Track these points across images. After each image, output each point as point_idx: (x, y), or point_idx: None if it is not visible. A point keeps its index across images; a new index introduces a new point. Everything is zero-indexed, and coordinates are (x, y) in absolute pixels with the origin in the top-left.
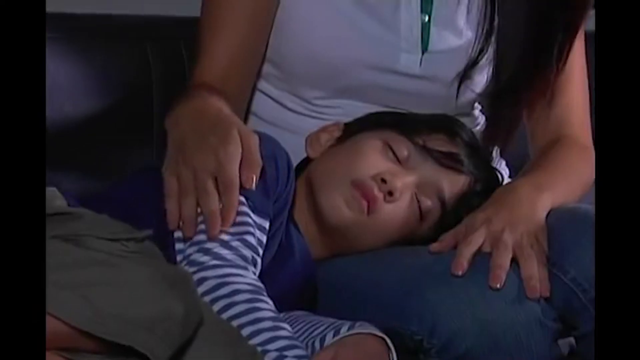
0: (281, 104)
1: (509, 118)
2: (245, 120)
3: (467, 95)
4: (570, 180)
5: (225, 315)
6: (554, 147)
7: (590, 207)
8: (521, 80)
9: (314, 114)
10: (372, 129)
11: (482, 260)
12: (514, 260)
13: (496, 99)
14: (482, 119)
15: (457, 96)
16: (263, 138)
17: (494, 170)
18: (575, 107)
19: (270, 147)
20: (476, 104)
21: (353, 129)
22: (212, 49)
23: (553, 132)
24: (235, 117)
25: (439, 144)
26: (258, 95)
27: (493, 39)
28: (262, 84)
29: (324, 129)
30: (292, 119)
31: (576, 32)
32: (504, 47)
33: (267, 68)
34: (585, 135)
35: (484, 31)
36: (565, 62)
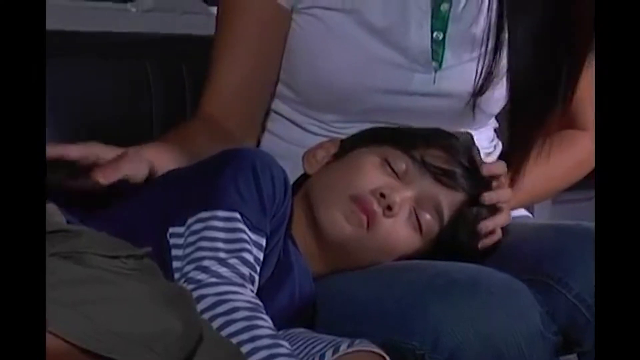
0: (299, 126)
1: (526, 139)
2: (259, 141)
3: (484, 110)
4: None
5: (224, 333)
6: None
7: (592, 223)
8: (536, 100)
9: (332, 134)
10: (368, 144)
11: (483, 273)
12: (520, 276)
13: (512, 116)
14: (497, 141)
15: (473, 110)
16: (260, 155)
17: (490, 187)
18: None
19: (266, 164)
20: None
21: (349, 145)
22: (216, 80)
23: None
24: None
25: (437, 159)
26: (276, 117)
27: (504, 52)
28: (281, 106)
29: (320, 146)
30: (310, 139)
31: (584, 60)
32: (516, 61)
33: (284, 91)
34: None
35: (490, 45)
36: (574, 91)
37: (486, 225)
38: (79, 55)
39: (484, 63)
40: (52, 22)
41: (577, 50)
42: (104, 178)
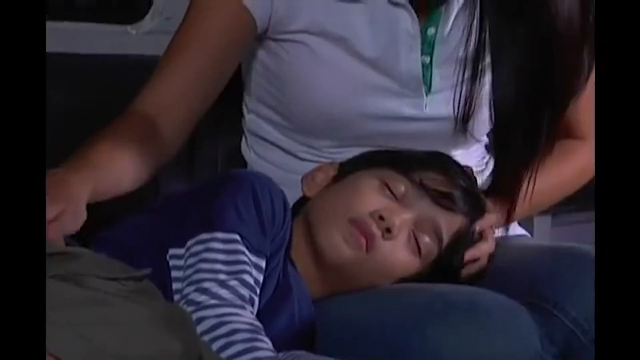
0: (292, 154)
1: (513, 172)
2: (246, 162)
3: (474, 132)
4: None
5: (224, 355)
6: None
7: (590, 247)
8: (520, 133)
9: (325, 160)
10: (367, 167)
11: (481, 295)
12: (517, 299)
13: (498, 141)
14: (488, 157)
15: (465, 133)
16: (259, 177)
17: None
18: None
19: (266, 187)
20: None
21: (348, 168)
22: (161, 78)
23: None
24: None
25: (436, 182)
26: (268, 145)
27: (486, 79)
28: (273, 134)
29: (319, 169)
30: (302, 166)
31: (566, 104)
32: (499, 91)
33: (276, 119)
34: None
35: (468, 73)
36: (555, 132)
37: (472, 253)
38: (79, 77)
39: (461, 89)
40: (53, 45)
41: (558, 92)
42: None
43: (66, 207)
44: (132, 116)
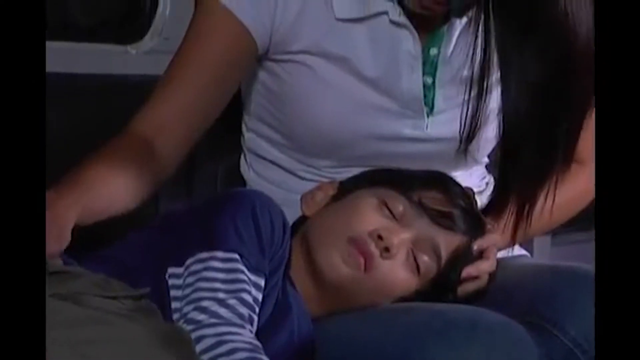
0: (291, 172)
1: (524, 186)
2: (245, 181)
3: (476, 152)
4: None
5: None
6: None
7: (589, 266)
8: (531, 149)
9: (323, 179)
10: (366, 186)
11: (480, 314)
12: (516, 318)
13: (507, 158)
14: (489, 177)
15: (465, 154)
16: (259, 197)
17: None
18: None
19: (265, 206)
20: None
21: (348, 187)
22: (161, 98)
23: None
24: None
25: (435, 202)
26: (269, 164)
27: (491, 97)
28: (273, 152)
29: (319, 188)
30: (302, 185)
31: (582, 120)
32: (509, 106)
33: (276, 137)
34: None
35: (475, 91)
36: (573, 148)
37: (468, 271)
38: (79, 97)
39: (467, 109)
40: (52, 65)
41: (575, 108)
42: None
43: (48, 229)
44: (130, 136)
